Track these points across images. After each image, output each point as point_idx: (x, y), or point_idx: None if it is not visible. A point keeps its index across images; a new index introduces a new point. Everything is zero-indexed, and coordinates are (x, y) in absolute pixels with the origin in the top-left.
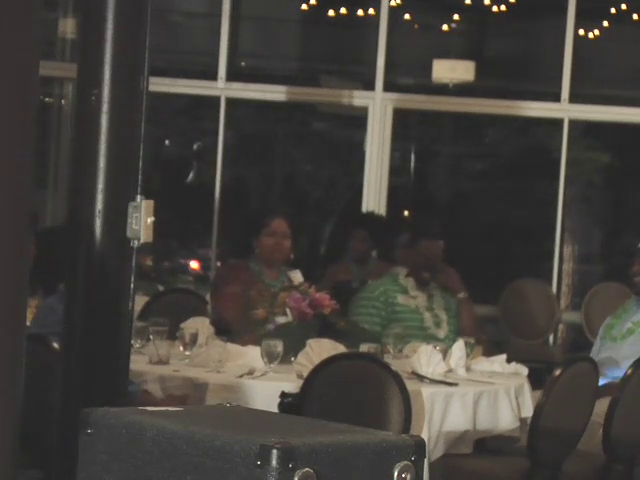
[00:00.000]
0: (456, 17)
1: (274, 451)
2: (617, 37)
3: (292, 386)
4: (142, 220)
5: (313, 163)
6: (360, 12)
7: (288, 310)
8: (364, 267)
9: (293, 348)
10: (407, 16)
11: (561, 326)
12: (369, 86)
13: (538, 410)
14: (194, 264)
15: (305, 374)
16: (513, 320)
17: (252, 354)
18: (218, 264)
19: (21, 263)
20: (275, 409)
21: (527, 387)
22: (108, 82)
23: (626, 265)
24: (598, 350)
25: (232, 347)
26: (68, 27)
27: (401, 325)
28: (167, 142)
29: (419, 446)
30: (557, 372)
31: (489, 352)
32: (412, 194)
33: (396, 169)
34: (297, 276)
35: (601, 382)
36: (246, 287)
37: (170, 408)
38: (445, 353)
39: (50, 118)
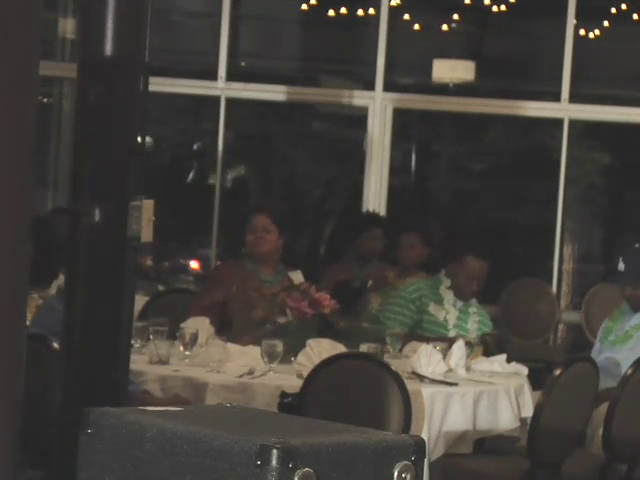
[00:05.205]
0: (456, 17)
1: (274, 451)
2: (617, 37)
3: (292, 386)
4: (142, 220)
5: (313, 163)
6: (360, 12)
7: (288, 310)
8: (365, 267)
9: (293, 348)
10: (407, 16)
11: (561, 326)
12: (369, 86)
13: (538, 410)
14: (194, 264)
15: (305, 374)
16: (513, 320)
17: (252, 354)
18: (218, 264)
19: (21, 263)
20: (275, 409)
21: (527, 387)
22: (108, 82)
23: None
24: (598, 353)
25: (232, 347)
26: (68, 27)
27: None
28: (167, 142)
29: (419, 446)
30: (557, 372)
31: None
32: (412, 194)
33: (396, 169)
34: (298, 276)
35: (601, 387)
36: (242, 285)
37: (170, 408)
38: (445, 353)
39: (50, 118)
